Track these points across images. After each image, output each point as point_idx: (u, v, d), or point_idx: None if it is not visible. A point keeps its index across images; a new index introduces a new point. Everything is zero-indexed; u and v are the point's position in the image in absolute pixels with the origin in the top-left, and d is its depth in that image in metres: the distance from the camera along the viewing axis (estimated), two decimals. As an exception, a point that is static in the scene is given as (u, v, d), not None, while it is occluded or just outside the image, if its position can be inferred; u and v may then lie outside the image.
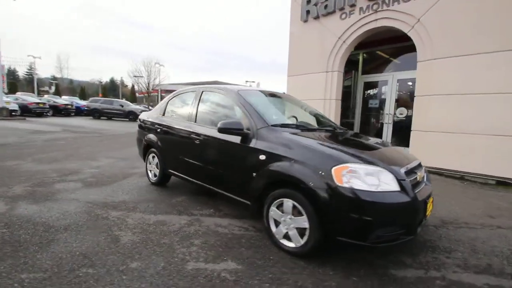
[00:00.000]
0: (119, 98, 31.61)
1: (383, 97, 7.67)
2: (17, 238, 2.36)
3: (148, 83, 27.54)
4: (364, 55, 8.02)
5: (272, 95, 3.59)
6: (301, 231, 2.22)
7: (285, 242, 2.34)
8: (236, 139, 2.70)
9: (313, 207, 2.10)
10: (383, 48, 7.54)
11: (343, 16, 6.87)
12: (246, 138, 2.62)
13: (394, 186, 2.03)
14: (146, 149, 4.26)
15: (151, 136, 4.07)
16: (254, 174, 2.51)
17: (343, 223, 2.00)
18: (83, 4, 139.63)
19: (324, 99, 7.39)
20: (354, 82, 8.26)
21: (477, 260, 2.35)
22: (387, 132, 7.46)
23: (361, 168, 2.03)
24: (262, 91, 3.54)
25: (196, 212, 3.14)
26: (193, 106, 3.48)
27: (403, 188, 2.05)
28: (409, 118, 7.14)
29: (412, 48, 6.57)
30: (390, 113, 7.41)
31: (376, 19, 6.26)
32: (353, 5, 6.61)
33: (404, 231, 2.06)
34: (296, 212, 2.23)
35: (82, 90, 44.97)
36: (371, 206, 1.93)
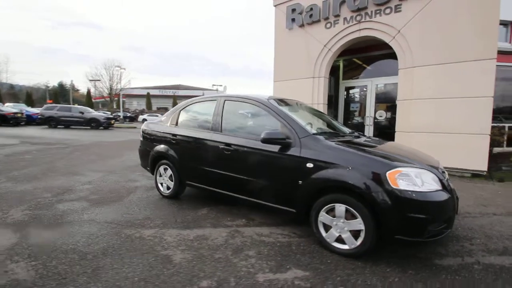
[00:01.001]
0: (70, 104, 28.88)
1: (363, 101, 8.27)
2: (55, 270, 2.11)
3: (111, 87, 25.60)
4: (345, 61, 8.57)
5: (286, 103, 3.65)
6: (355, 233, 2.35)
7: (337, 245, 2.45)
8: (274, 148, 2.75)
9: (368, 209, 2.25)
10: (363, 55, 8.14)
11: (328, 25, 7.28)
12: (287, 147, 2.69)
13: (437, 185, 2.28)
14: (155, 161, 4.06)
15: (163, 147, 3.90)
16: (300, 182, 2.58)
17: (401, 222, 2.17)
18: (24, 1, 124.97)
19: (312, 103, 7.71)
20: (336, 87, 8.76)
21: (494, 244, 2.72)
22: (369, 133, 8.06)
23: (412, 171, 2.24)
24: (279, 99, 3.60)
25: (230, 223, 3.09)
26: (215, 116, 3.42)
27: (444, 187, 2.31)
28: (387, 120, 7.82)
29: (388, 56, 7.24)
30: (370, 116, 8.02)
31: (360, 29, 6.77)
32: (337, 16, 7.05)
33: (446, 225, 2.31)
34: (349, 215, 2.36)
35: (28, 96, 40.06)
36: (424, 205, 2.15)
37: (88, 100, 34.92)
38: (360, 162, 2.35)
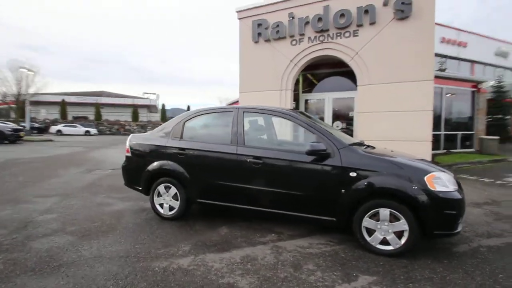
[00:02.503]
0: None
1: (321, 112, 9.06)
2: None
3: (19, 93, 20.81)
4: (304, 76, 9.28)
5: (306, 115, 3.70)
6: (398, 234, 2.59)
7: (381, 247, 2.64)
8: (311, 159, 2.82)
9: (412, 211, 2.53)
10: (321, 71, 8.97)
11: (294, 42, 7.81)
12: (326, 158, 2.79)
13: (456, 185, 2.73)
14: (151, 179, 3.58)
15: (164, 164, 3.48)
16: (343, 190, 2.71)
17: (439, 219, 2.51)
18: None
19: (280, 114, 8.06)
20: (296, 100, 9.36)
21: (479, 230, 3.36)
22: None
23: (442, 174, 2.62)
24: (300, 112, 3.68)
25: (264, 240, 2.96)
26: (235, 128, 3.26)
27: (459, 187, 2.78)
28: (343, 130, 8.77)
29: (344, 73, 8.21)
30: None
31: (323, 49, 7.49)
32: (302, 34, 7.64)
33: (461, 220, 2.77)
34: (392, 218, 2.60)
35: None
36: (454, 203, 2.54)
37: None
38: (399, 169, 2.63)
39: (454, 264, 2.49)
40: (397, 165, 2.66)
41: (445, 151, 10.58)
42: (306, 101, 9.31)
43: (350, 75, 7.77)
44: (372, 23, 6.79)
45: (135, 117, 37.04)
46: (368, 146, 3.32)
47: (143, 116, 41.80)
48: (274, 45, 8.04)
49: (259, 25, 8.09)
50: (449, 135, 11.12)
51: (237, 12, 8.50)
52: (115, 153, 11.62)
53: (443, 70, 16.08)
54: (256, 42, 8.24)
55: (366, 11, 6.79)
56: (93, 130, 30.16)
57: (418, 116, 6.57)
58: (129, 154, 3.82)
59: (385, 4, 6.63)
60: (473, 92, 12.03)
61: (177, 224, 3.41)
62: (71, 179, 6.12)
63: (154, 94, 46.50)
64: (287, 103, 8.10)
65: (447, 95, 11.12)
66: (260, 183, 3.04)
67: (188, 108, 33.63)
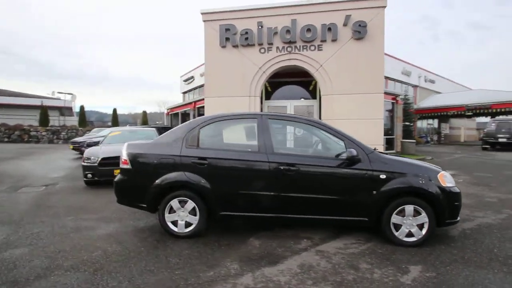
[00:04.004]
0: None
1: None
2: None
3: None
4: (268, 84, 9.57)
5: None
6: (420, 226, 2.99)
7: (407, 239, 2.97)
8: (343, 163, 3.00)
9: (430, 205, 2.96)
10: (284, 80, 9.42)
11: (262, 50, 8.02)
12: (357, 163, 3.01)
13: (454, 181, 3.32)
14: (162, 194, 3.15)
15: (180, 176, 3.11)
16: (375, 192, 2.97)
17: (449, 210, 2.99)
18: None
19: (250, 120, 8.12)
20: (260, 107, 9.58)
21: (470, 211, 4.14)
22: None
23: (447, 173, 3.16)
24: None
25: (302, 247, 2.94)
26: (261, 136, 3.17)
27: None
28: (304, 135, 9.40)
29: (305, 82, 8.87)
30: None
31: (290, 59, 7.93)
32: (271, 44, 7.92)
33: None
34: (415, 212, 2.98)
35: None
36: (458, 195, 3.08)
37: None
38: (418, 170, 3.05)
39: (460, 245, 3.01)
40: (417, 167, 3.08)
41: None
42: (270, 108, 9.63)
43: (306, 85, 8.45)
44: (334, 40, 7.59)
45: (44, 121, 30.81)
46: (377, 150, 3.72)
47: (55, 120, 35.21)
48: (243, 51, 8.09)
49: (227, 30, 8.02)
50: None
51: (202, 14, 8.23)
52: (32, 165, 9.53)
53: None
54: (224, 46, 8.13)
55: (329, 29, 7.55)
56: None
57: (372, 123, 7.63)
58: (128, 166, 3.26)
59: (345, 24, 7.51)
60: (393, 103, 14.59)
61: (198, 241, 3.06)
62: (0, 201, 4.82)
63: (70, 94, 39.87)
64: (256, 109, 8.22)
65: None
66: (295, 190, 3.04)
67: (115, 111, 29.58)
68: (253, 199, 3.06)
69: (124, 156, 3.26)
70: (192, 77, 25.04)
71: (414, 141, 13.04)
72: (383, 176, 2.93)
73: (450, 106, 22.45)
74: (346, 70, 7.67)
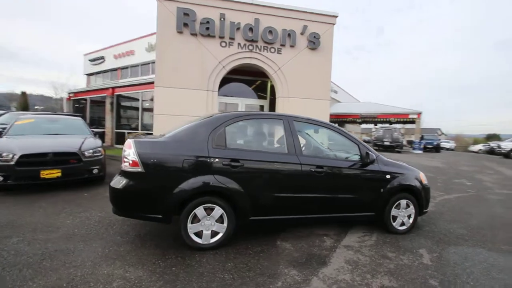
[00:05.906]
0: None
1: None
2: None
3: None
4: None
5: None
6: (409, 217, 3.64)
7: (400, 228, 3.58)
8: (359, 165, 3.35)
9: (416, 198, 3.65)
10: (237, 77, 9.27)
11: (223, 44, 7.67)
12: (370, 164, 3.40)
13: None
14: (184, 201, 2.71)
15: (210, 179, 2.74)
16: (382, 190, 3.43)
17: (426, 202, 3.78)
18: None
19: (207, 116, 7.66)
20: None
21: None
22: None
23: (422, 173, 3.94)
24: None
25: (329, 245, 3.11)
26: (289, 138, 3.14)
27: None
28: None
29: (251, 82, 9.03)
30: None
31: (251, 57, 7.91)
32: (232, 38, 7.68)
33: None
34: (406, 206, 3.61)
35: None
36: (430, 190, 3.92)
37: None
38: (408, 170, 3.70)
39: (432, 227, 3.85)
40: (407, 168, 3.73)
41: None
42: (221, 104, 9.31)
43: (253, 83, 8.68)
44: (292, 46, 8.06)
45: None
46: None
47: None
48: (202, 41, 7.53)
49: (186, 14, 7.28)
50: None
51: (156, -10, 7.19)
52: None
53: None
54: (180, 32, 7.35)
55: (289, 35, 7.96)
56: None
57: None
58: (139, 169, 2.62)
59: (302, 33, 8.08)
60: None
61: (227, 251, 2.78)
62: None
63: None
64: (214, 105, 7.84)
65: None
66: (323, 191, 3.17)
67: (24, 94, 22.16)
68: (285, 201, 3.02)
69: (133, 157, 2.62)
70: (102, 57, 21.39)
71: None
72: (388, 176, 3.42)
73: (348, 114, 27.26)
74: (301, 76, 8.28)
